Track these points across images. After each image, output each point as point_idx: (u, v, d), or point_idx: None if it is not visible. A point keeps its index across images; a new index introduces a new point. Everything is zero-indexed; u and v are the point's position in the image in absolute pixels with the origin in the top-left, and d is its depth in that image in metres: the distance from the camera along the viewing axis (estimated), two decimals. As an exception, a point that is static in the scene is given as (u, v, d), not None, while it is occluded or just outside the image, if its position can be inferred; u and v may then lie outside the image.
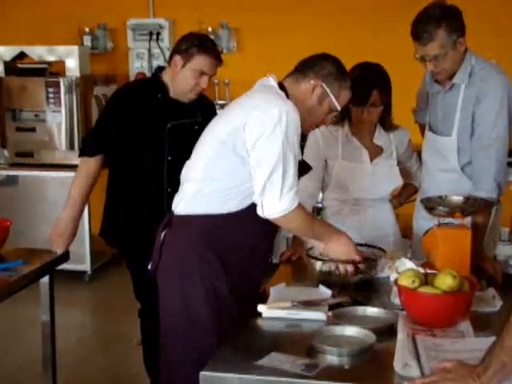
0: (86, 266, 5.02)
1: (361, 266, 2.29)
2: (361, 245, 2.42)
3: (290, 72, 2.30)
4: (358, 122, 2.79)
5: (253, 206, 2.17)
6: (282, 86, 2.24)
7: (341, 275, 2.29)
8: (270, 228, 2.29)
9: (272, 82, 2.26)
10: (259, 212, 2.14)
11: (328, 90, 2.23)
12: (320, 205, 2.93)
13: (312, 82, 2.24)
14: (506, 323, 1.52)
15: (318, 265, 2.35)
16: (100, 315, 4.58)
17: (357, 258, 2.28)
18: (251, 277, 2.27)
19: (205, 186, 2.20)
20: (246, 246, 2.22)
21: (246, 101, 2.23)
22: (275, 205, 2.11)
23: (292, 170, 2.11)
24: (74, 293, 4.77)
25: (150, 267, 2.31)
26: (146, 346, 3.03)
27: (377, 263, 2.35)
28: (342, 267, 2.28)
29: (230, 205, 2.19)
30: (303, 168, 2.29)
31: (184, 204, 2.25)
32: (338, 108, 2.27)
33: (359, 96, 2.67)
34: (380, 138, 2.86)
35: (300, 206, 2.16)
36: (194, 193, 2.22)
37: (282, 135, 2.09)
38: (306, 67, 2.26)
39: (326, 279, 2.32)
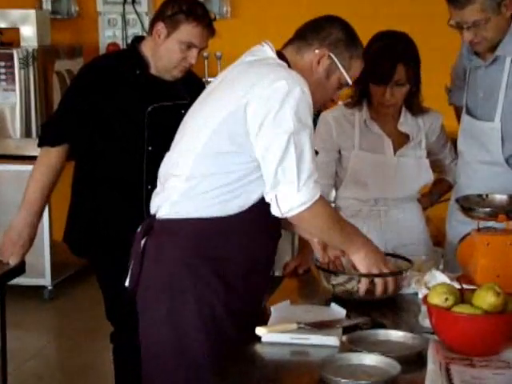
0: (45, 281, 5.03)
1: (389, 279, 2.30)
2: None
3: (290, 39, 2.31)
4: (380, 105, 2.80)
5: (255, 208, 2.18)
6: (281, 57, 2.25)
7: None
8: (273, 234, 2.31)
9: (269, 51, 2.26)
10: (274, 211, 2.14)
11: (337, 60, 2.24)
12: (333, 205, 2.94)
13: (317, 51, 2.24)
14: None
15: (332, 279, 2.35)
16: (63, 341, 4.59)
17: (386, 270, 2.28)
18: (252, 295, 2.27)
19: (196, 183, 2.20)
20: (244, 257, 2.23)
21: (241, 77, 2.22)
22: (293, 197, 2.10)
23: (308, 153, 2.12)
24: (30, 313, 4.79)
25: (127, 284, 2.31)
26: (121, 378, 3.04)
27: (403, 277, 2.36)
28: (364, 284, 2.27)
29: (229, 206, 2.19)
30: None
31: (170, 206, 2.24)
32: (349, 82, 2.28)
33: (381, 72, 2.68)
34: (406, 123, 2.87)
35: (324, 199, 2.18)
36: (182, 192, 2.22)
37: (293, 112, 2.09)
38: (310, 33, 2.27)
39: (341, 297, 2.32)
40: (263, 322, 2.14)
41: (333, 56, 2.24)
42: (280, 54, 2.26)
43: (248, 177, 2.17)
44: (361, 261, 2.28)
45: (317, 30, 2.26)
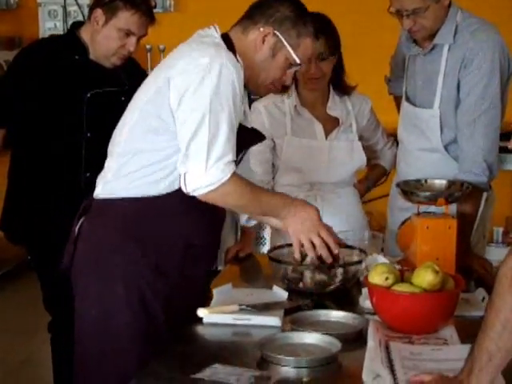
0: (-17, 276, 4.96)
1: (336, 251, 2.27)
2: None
3: (238, 19, 2.29)
4: (308, 81, 2.81)
5: None
6: (226, 38, 2.23)
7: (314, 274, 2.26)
8: (210, 217, 2.26)
9: (213, 32, 2.24)
10: (182, 187, 2.11)
11: (283, 38, 2.21)
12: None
13: (262, 29, 2.21)
14: (488, 304, 1.57)
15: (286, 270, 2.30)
16: (3, 338, 4.50)
17: (325, 232, 2.25)
18: (188, 283, 2.23)
19: (127, 161, 2.18)
20: (177, 241, 2.20)
21: (172, 55, 2.22)
22: (200, 177, 2.08)
23: (224, 134, 2.08)
24: (-33, 309, 4.71)
25: (62, 264, 2.27)
26: (58, 367, 3.01)
27: (359, 267, 2.32)
28: (310, 253, 2.24)
29: (159, 186, 2.17)
30: (254, 137, 2.29)
31: (103, 185, 2.22)
32: (298, 61, 2.24)
33: None
34: (335, 107, 2.91)
35: (236, 176, 2.13)
36: (115, 170, 2.20)
37: (211, 89, 2.06)
38: (256, 12, 2.24)
39: (296, 288, 2.29)
40: (205, 304, 2.13)
41: (278, 34, 2.21)
42: (225, 36, 2.23)
43: (176, 155, 2.13)
44: (288, 228, 2.26)
45: (264, 8, 2.23)
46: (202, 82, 2.07)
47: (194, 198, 2.13)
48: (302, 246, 2.26)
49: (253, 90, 2.29)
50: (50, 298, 2.96)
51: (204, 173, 2.08)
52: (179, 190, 2.15)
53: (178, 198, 2.16)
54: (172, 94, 2.10)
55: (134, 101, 2.24)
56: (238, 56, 2.18)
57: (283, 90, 2.84)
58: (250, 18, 2.25)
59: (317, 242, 2.24)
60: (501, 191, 2.84)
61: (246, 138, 2.18)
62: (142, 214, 2.17)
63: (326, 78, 2.84)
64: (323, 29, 2.75)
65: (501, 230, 4.94)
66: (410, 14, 2.56)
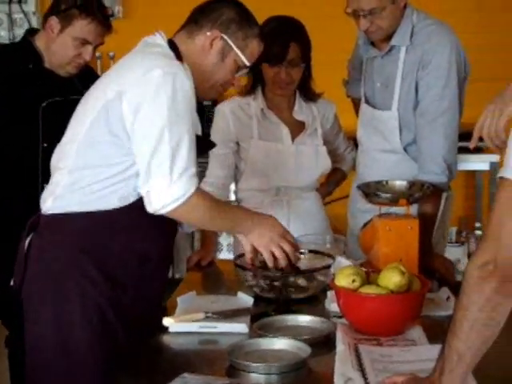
0: None
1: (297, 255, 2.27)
2: (301, 253, 2.38)
3: (182, 25, 2.26)
4: (275, 85, 2.80)
5: (140, 203, 2.09)
6: (172, 44, 2.19)
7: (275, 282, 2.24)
8: (164, 230, 2.21)
9: (159, 39, 2.20)
10: (147, 206, 2.05)
11: (230, 41, 2.20)
12: (234, 197, 2.92)
13: (209, 33, 2.19)
14: (455, 304, 1.58)
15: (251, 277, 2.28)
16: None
17: (287, 245, 2.23)
18: (144, 296, 2.18)
19: (78, 176, 2.12)
20: (133, 255, 2.15)
21: (120, 65, 2.18)
22: (164, 193, 2.02)
23: (185, 146, 2.04)
24: None
25: (12, 283, 2.20)
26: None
27: (328, 272, 2.31)
28: (268, 259, 2.21)
29: (113, 200, 2.11)
30: (204, 145, 2.26)
31: (53, 201, 2.16)
32: (247, 63, 2.24)
33: (275, 52, 2.68)
34: (301, 111, 2.90)
35: (200, 191, 2.10)
36: (66, 185, 2.14)
37: (168, 102, 2.02)
38: (201, 16, 2.21)
39: (263, 295, 2.27)
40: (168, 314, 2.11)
41: (226, 37, 2.19)
42: (171, 42, 2.20)
43: (129, 170, 2.09)
44: (256, 241, 2.22)
45: (208, 12, 2.21)
46: (156, 95, 2.02)
47: (146, 212, 2.07)
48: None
49: (201, 95, 2.25)
50: (7, 311, 2.89)
51: (169, 187, 2.02)
52: (133, 205, 2.11)
53: (131, 213, 2.11)
54: (125, 108, 2.05)
55: (82, 112, 2.18)
56: (184, 62, 2.15)
57: (248, 92, 2.85)
58: (195, 22, 2.21)
59: (278, 254, 2.22)
60: (454, 192, 2.86)
61: (198, 146, 2.12)
62: (95, 228, 2.11)
63: (295, 84, 2.83)
64: (296, 35, 2.76)
65: (454, 229, 4.99)
66: (367, 14, 2.57)
